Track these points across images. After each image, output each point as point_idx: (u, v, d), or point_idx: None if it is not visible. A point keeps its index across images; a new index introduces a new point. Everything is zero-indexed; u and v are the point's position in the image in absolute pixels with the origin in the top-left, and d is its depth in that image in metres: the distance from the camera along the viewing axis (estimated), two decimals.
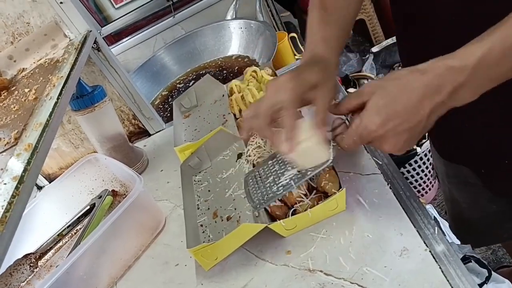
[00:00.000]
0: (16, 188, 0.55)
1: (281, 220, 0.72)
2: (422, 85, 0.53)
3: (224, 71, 1.67)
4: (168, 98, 1.74)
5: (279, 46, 1.58)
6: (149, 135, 1.25)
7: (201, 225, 0.84)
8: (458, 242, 1.29)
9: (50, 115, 0.69)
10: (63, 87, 0.77)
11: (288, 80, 0.62)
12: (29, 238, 1.03)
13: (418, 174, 1.84)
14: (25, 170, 0.58)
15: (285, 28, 2.03)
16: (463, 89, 0.52)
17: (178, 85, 1.77)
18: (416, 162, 1.80)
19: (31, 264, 0.96)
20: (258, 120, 0.62)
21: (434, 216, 1.69)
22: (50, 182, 1.28)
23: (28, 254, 0.96)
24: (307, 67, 0.65)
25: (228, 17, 1.79)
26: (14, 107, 0.80)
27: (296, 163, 0.67)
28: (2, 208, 0.52)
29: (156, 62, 1.78)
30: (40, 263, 0.98)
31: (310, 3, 0.73)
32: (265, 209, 0.75)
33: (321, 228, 0.74)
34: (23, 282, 0.95)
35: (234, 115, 1.01)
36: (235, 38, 1.70)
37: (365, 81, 2.28)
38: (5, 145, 0.68)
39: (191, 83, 1.72)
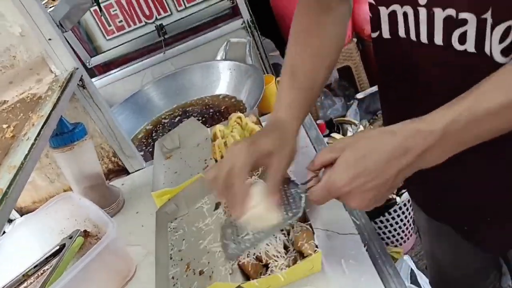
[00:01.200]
0: None
1: (255, 280, 0.70)
2: (391, 146, 0.55)
3: (211, 110, 1.68)
4: (152, 133, 1.73)
5: (266, 89, 1.61)
6: (128, 173, 1.23)
7: (173, 277, 0.81)
8: None
9: (25, 158, 0.68)
10: (42, 127, 0.76)
11: (244, 147, 0.64)
12: None
13: (397, 223, 1.84)
14: None
15: (273, 70, 2.07)
16: (430, 153, 0.54)
17: (163, 120, 1.76)
18: (395, 211, 1.81)
19: None
20: (216, 184, 0.65)
21: (411, 269, 1.68)
22: (21, 216, 1.24)
23: None
24: (264, 134, 0.68)
25: (218, 58, 1.81)
26: None
27: (248, 226, 0.68)
28: None
29: (143, 96, 1.78)
30: None
31: (282, 68, 0.75)
32: (239, 266, 0.74)
33: None
34: None
35: (216, 160, 1.00)
36: (223, 79, 1.72)
37: (349, 126, 2.32)
38: None
39: (176, 119, 1.72)
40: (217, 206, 0.88)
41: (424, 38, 0.61)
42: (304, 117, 0.73)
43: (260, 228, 0.67)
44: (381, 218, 1.84)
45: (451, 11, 0.55)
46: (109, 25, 1.95)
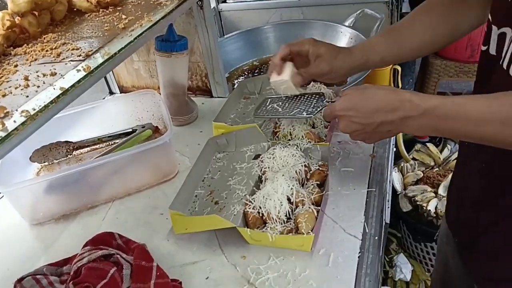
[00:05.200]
0: (58, 97, 0.68)
1: (248, 229, 0.78)
2: (385, 100, 0.69)
3: None
4: (256, 70, 1.81)
5: (378, 72, 1.56)
6: (212, 96, 1.35)
7: (195, 196, 0.93)
8: None
9: (119, 50, 0.81)
10: (145, 30, 0.88)
11: (309, 41, 0.88)
12: (79, 127, 1.19)
13: None
14: (72, 86, 0.70)
15: None
16: (410, 121, 0.66)
17: (270, 62, 1.83)
18: None
19: (68, 150, 1.14)
20: (280, 51, 0.92)
21: None
22: (120, 93, 1.46)
23: (69, 142, 1.14)
24: (330, 46, 0.89)
25: (346, 23, 1.78)
26: (106, 27, 0.93)
27: (276, 87, 0.95)
28: (38, 107, 0.65)
29: (263, 33, 1.85)
30: (74, 152, 1.16)
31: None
32: (244, 214, 0.82)
33: (281, 254, 0.79)
34: (56, 160, 1.14)
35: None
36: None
37: (451, 143, 2.15)
38: (78, 56, 0.81)
39: None
40: (256, 157, 0.95)
41: None
42: (371, 64, 0.87)
43: (278, 91, 0.95)
44: (433, 244, 1.76)
45: None
46: None
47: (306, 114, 0.88)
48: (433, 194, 1.77)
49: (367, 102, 0.71)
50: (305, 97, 0.93)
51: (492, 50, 0.68)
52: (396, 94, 0.68)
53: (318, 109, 0.87)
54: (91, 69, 0.75)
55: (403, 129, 0.69)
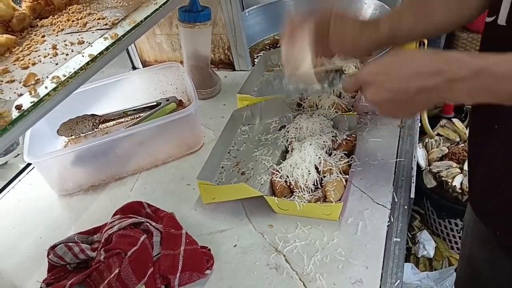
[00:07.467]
0: (87, 63, 0.68)
1: (276, 198, 0.78)
2: (426, 62, 0.56)
3: None
4: (278, 43, 1.79)
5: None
6: (234, 70, 1.34)
7: (222, 167, 0.93)
8: None
9: (145, 19, 0.80)
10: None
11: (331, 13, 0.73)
12: (104, 100, 1.20)
13: None
14: (101, 53, 0.70)
15: None
16: (459, 84, 0.54)
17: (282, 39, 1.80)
18: None
19: (94, 123, 1.15)
20: (287, 27, 0.77)
21: None
22: (143, 67, 1.46)
23: (95, 115, 1.15)
24: (355, 19, 0.75)
25: None
26: None
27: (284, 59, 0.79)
28: (68, 74, 0.65)
29: (284, 7, 1.81)
30: (100, 126, 1.17)
31: None
32: (271, 182, 0.82)
33: (308, 223, 0.79)
34: (83, 134, 1.15)
35: None
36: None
37: None
38: (104, 25, 0.81)
39: None
40: (281, 128, 0.94)
41: None
42: (397, 39, 0.73)
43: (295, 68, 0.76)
44: (458, 221, 1.74)
45: None
46: None
47: (326, 86, 0.75)
48: (458, 170, 1.73)
49: (403, 64, 0.58)
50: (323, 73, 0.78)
51: (502, 21, 0.59)
52: (439, 55, 0.56)
53: (338, 80, 0.75)
54: (119, 36, 0.74)
55: (448, 96, 0.57)
